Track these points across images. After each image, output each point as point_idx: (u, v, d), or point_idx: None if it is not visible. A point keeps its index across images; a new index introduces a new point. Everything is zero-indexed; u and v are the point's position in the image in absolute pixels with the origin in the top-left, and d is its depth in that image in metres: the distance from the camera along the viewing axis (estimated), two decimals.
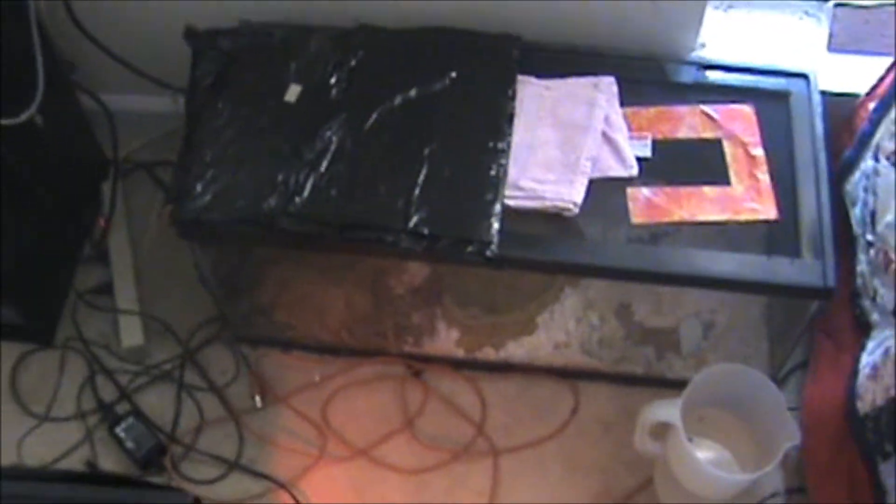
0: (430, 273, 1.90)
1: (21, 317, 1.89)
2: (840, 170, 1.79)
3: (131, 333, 1.91)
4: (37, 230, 1.88)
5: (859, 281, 1.71)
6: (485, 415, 1.87)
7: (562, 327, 1.88)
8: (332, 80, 1.71)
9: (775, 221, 1.61)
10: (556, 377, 1.90)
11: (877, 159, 1.67)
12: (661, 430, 1.69)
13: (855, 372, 1.68)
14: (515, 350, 1.90)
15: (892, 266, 1.59)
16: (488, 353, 1.90)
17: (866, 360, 1.65)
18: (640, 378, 1.86)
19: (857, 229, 1.73)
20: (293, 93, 1.71)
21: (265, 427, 1.86)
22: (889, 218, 1.61)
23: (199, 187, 1.62)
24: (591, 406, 1.88)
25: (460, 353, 1.90)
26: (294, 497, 1.78)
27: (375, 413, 1.87)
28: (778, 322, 1.86)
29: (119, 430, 1.82)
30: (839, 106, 1.80)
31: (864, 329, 1.69)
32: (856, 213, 1.74)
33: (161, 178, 2.07)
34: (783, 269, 1.57)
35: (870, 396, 1.62)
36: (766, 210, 1.62)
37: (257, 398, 1.87)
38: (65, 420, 1.87)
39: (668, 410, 1.61)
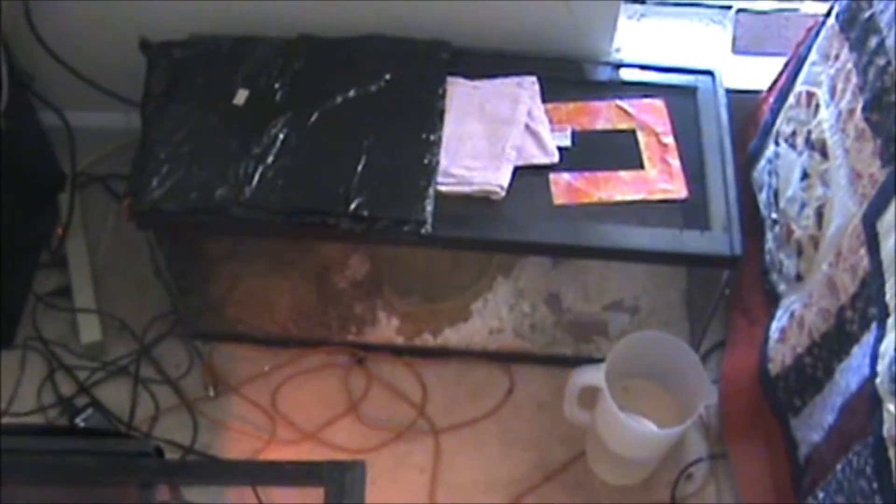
0: (370, 266, 2.02)
1: None
2: (747, 160, 1.95)
3: (89, 330, 2.00)
4: None
5: (767, 258, 1.86)
6: (425, 397, 1.98)
7: (495, 314, 2.01)
8: (277, 85, 1.84)
9: (686, 200, 1.76)
10: (492, 361, 2.02)
11: (777, 143, 1.84)
12: (589, 400, 1.81)
13: (766, 339, 1.82)
14: (452, 336, 2.02)
15: (793, 236, 1.75)
16: (427, 340, 2.02)
17: (775, 325, 1.79)
18: (570, 359, 1.98)
19: (763, 212, 1.88)
20: (241, 96, 1.84)
21: (218, 415, 1.96)
22: (789, 193, 1.77)
23: (154, 182, 1.73)
24: (524, 387, 2.00)
25: (400, 340, 2.02)
26: (255, 493, 1.84)
27: (322, 399, 1.98)
28: (697, 304, 2.00)
29: (78, 421, 1.91)
30: (744, 102, 1.97)
31: (773, 301, 1.84)
32: (762, 197, 1.89)
33: (115, 191, 2.18)
34: (694, 241, 1.71)
35: (780, 358, 1.76)
36: (678, 190, 1.77)
37: (210, 388, 1.97)
38: (25, 414, 1.94)
39: (593, 374, 1.74)
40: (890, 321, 1.39)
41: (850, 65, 1.60)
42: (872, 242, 1.47)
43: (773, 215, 1.84)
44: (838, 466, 1.48)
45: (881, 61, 1.50)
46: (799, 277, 1.74)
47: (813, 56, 1.74)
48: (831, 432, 1.55)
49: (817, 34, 1.75)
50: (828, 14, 1.72)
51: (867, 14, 1.56)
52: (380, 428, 1.95)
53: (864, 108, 1.54)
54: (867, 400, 1.41)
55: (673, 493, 1.89)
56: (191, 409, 1.96)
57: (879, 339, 1.41)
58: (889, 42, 1.49)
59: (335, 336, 2.03)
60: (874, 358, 1.41)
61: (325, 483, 1.39)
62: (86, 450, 1.39)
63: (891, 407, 1.33)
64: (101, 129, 2.15)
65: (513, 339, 2.02)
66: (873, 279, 1.46)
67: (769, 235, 1.85)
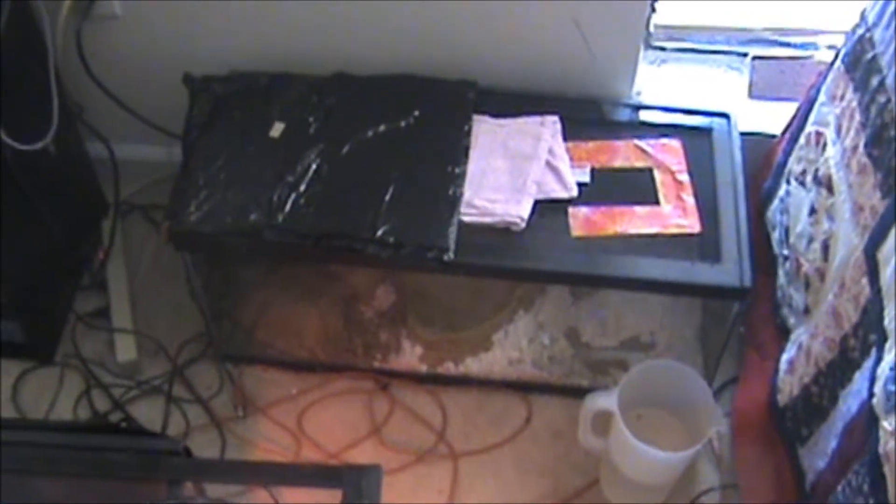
0: (396, 296, 2.10)
1: (24, 335, 2.07)
2: (761, 201, 2.02)
3: (126, 350, 2.10)
4: (41, 257, 2.08)
5: (779, 293, 1.92)
6: (445, 423, 2.05)
7: (515, 345, 2.08)
8: (311, 119, 1.94)
9: (699, 234, 1.83)
10: (511, 390, 2.09)
11: (788, 182, 1.91)
12: (603, 427, 1.87)
13: (776, 371, 1.87)
14: (473, 365, 2.09)
15: (802, 270, 1.81)
16: (448, 368, 2.09)
17: (785, 357, 1.85)
18: (586, 390, 2.01)
19: (776, 249, 1.95)
20: (277, 129, 1.94)
21: (246, 434, 2.03)
22: (798, 229, 1.83)
23: (192, 206, 1.83)
24: (542, 416, 2.06)
25: (423, 368, 2.09)
26: (272, 495, 1.93)
27: (346, 422, 2.05)
28: (711, 341, 2.06)
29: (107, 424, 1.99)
30: (759, 145, 2.05)
31: (784, 335, 1.89)
32: (775, 236, 1.96)
33: (154, 219, 2.29)
34: (706, 273, 1.79)
35: (788, 388, 1.81)
36: (691, 225, 1.84)
37: (239, 409, 2.05)
38: None
39: (606, 399, 1.80)
40: (888, 345, 1.45)
41: (854, 103, 1.67)
42: (873, 271, 1.53)
43: (785, 252, 1.90)
44: (839, 488, 1.53)
45: (882, 99, 1.58)
46: (807, 310, 1.80)
47: (822, 97, 1.82)
48: (834, 457, 1.60)
49: (825, 77, 1.82)
50: (835, 57, 1.80)
51: (870, 55, 1.64)
52: (401, 451, 2.01)
53: (866, 144, 1.61)
54: (865, 421, 1.46)
55: None
56: (220, 428, 2.03)
57: (878, 362, 1.47)
58: (889, 80, 1.57)
59: (361, 362, 2.10)
60: (872, 380, 1.46)
61: (343, 485, 1.45)
62: (120, 447, 1.47)
63: (886, 424, 1.39)
64: (143, 161, 2.26)
65: (532, 369, 2.08)
66: (873, 306, 1.52)
67: (781, 272, 1.92)
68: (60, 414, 2.05)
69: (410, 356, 2.09)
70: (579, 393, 2.02)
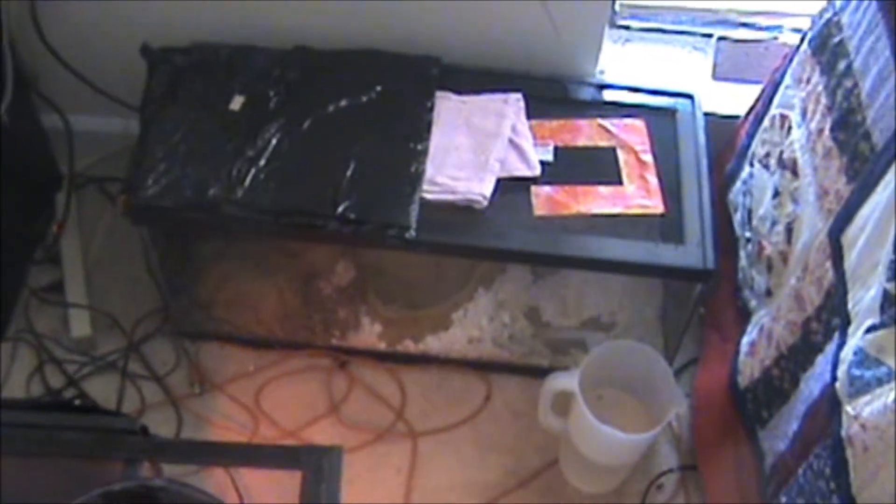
0: (355, 273, 2.08)
1: None
2: (724, 183, 2.02)
3: (80, 325, 2.06)
4: None
5: (740, 275, 1.92)
6: (404, 402, 2.04)
7: (475, 324, 2.07)
8: (272, 92, 1.91)
9: (662, 215, 1.83)
10: (470, 369, 2.08)
11: (752, 165, 1.90)
12: (563, 408, 1.87)
13: (736, 353, 1.88)
14: (433, 343, 2.07)
15: (764, 252, 1.81)
16: (408, 346, 2.07)
17: (745, 340, 1.85)
18: (546, 370, 2.00)
19: (738, 231, 1.95)
20: (237, 102, 1.91)
21: (202, 411, 2.01)
22: (761, 211, 1.83)
23: (150, 179, 1.79)
24: (501, 395, 2.06)
25: (382, 346, 2.08)
26: (230, 475, 1.90)
27: (304, 400, 2.03)
28: (671, 321, 2.06)
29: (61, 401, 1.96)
30: (722, 127, 2.04)
31: (745, 317, 1.89)
32: (737, 217, 1.96)
33: (110, 193, 2.24)
34: (669, 255, 1.78)
35: (748, 371, 1.82)
36: (655, 205, 1.84)
37: (196, 386, 2.03)
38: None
39: (567, 380, 1.79)
40: (850, 329, 1.46)
41: (820, 87, 1.67)
42: (837, 255, 1.54)
43: (747, 234, 1.90)
44: (800, 470, 1.54)
45: (848, 83, 1.58)
46: (769, 292, 1.80)
47: (787, 80, 1.81)
48: (795, 439, 1.60)
49: (791, 60, 1.82)
50: (801, 40, 1.79)
51: (836, 39, 1.64)
52: (359, 429, 2.00)
53: (831, 128, 1.61)
54: (827, 404, 1.46)
55: (643, 501, 1.94)
56: (176, 405, 2.01)
57: (841, 346, 1.47)
58: (856, 65, 1.57)
59: (319, 339, 2.08)
60: (835, 364, 1.46)
61: (302, 467, 1.44)
62: (75, 425, 1.45)
63: (849, 409, 1.39)
64: (99, 133, 2.22)
65: (492, 348, 2.07)
66: (837, 290, 1.52)
67: (742, 254, 1.92)
68: (13, 390, 2.01)
69: (369, 334, 2.08)
70: (539, 372, 2.01)
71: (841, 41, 1.63)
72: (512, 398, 2.05)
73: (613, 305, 2.09)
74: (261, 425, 1.99)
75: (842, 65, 1.61)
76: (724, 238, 1.93)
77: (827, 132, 1.62)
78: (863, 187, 1.49)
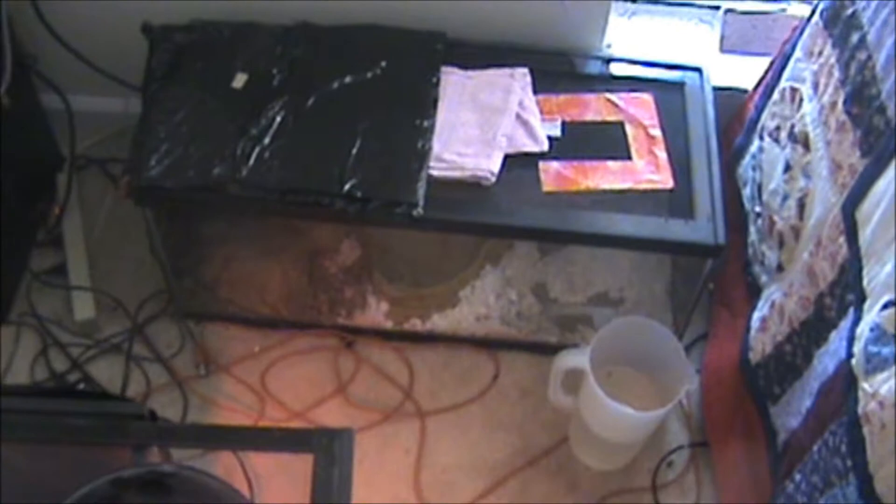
0: (361, 251, 2.06)
1: None
2: (732, 156, 2.00)
3: (84, 308, 2.04)
4: None
5: (750, 250, 1.91)
6: (412, 381, 2.02)
7: (483, 301, 2.05)
8: (275, 70, 1.89)
9: (671, 190, 1.81)
10: (478, 347, 2.06)
11: (762, 138, 1.88)
12: (573, 385, 1.85)
13: (747, 329, 1.86)
14: (440, 322, 2.05)
15: (776, 228, 1.79)
16: (415, 325, 2.06)
17: (756, 315, 1.84)
18: (555, 347, 1.99)
19: (747, 206, 1.93)
20: (240, 80, 1.88)
21: (208, 393, 1.99)
22: (772, 186, 1.81)
23: (153, 160, 1.77)
24: (510, 373, 2.04)
25: (389, 324, 2.06)
26: (237, 457, 1.89)
27: (311, 380, 2.02)
28: (680, 296, 2.05)
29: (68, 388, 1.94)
30: (730, 100, 2.03)
31: (755, 293, 1.88)
32: (746, 192, 1.94)
33: (112, 173, 2.22)
34: (679, 230, 1.76)
35: (760, 347, 1.80)
36: (664, 180, 1.82)
37: (201, 367, 2.01)
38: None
39: (577, 357, 1.78)
40: (866, 305, 1.44)
41: (832, 60, 1.65)
42: (851, 231, 1.52)
43: (757, 209, 1.88)
44: (814, 448, 1.52)
45: (862, 56, 1.55)
46: (780, 268, 1.79)
47: (797, 53, 1.79)
48: (809, 416, 1.59)
49: (802, 32, 1.80)
50: (812, 12, 1.77)
51: (849, 11, 1.62)
52: (367, 409, 1.98)
53: (845, 102, 1.59)
54: (842, 381, 1.45)
55: (653, 479, 1.93)
56: (181, 387, 1.99)
57: (856, 322, 1.45)
58: (870, 37, 1.54)
59: (325, 319, 2.06)
60: (850, 340, 1.45)
61: (313, 450, 1.42)
62: (82, 411, 1.43)
63: (865, 386, 1.37)
64: (100, 113, 2.19)
65: (499, 325, 2.06)
66: (851, 266, 1.50)
67: (752, 229, 1.90)
68: (17, 374, 1.99)
69: (376, 312, 2.06)
70: (547, 350, 2.01)
71: (854, 13, 1.60)
72: (520, 376, 2.04)
73: (622, 281, 2.07)
74: (267, 406, 1.98)
75: (855, 37, 1.58)
76: (733, 212, 1.91)
77: (840, 106, 1.59)
78: (877, 161, 1.48)
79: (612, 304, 2.07)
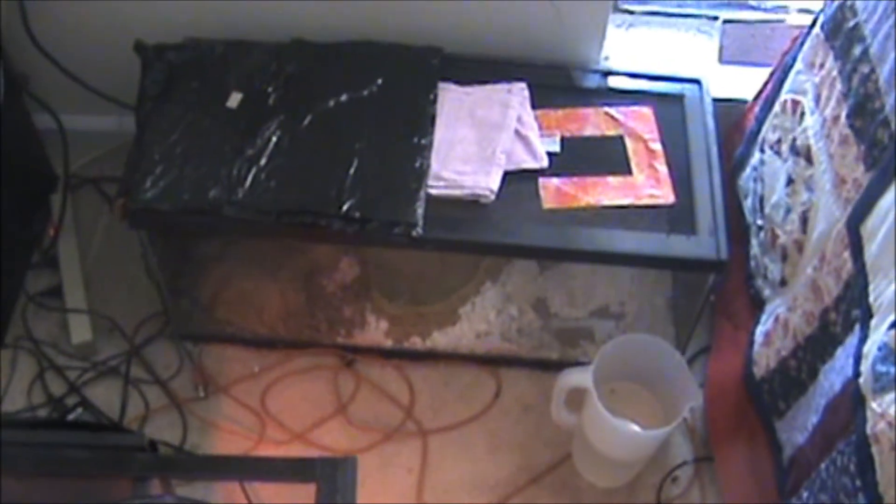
0: (359, 270, 2.04)
1: None
2: (732, 168, 1.98)
3: (80, 330, 2.01)
4: None
5: (752, 263, 1.89)
6: (413, 399, 2.00)
7: (483, 318, 2.04)
8: (270, 88, 1.87)
9: (673, 205, 1.79)
10: (479, 364, 2.04)
11: (762, 151, 1.87)
12: (576, 402, 1.83)
13: (751, 343, 1.84)
14: (440, 339, 2.04)
15: (778, 241, 1.78)
16: (415, 343, 2.04)
17: (760, 329, 1.82)
18: (556, 363, 1.99)
19: (749, 218, 1.91)
20: (234, 99, 1.86)
21: (208, 415, 1.97)
22: (774, 199, 1.80)
23: (148, 182, 1.75)
24: (511, 390, 2.02)
25: (389, 343, 2.04)
26: (243, 489, 1.84)
27: (311, 400, 1.99)
28: (682, 310, 2.03)
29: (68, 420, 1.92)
30: (730, 111, 2.01)
31: (758, 306, 1.86)
32: (747, 204, 1.92)
33: (107, 193, 2.20)
34: (681, 246, 1.74)
35: (764, 361, 1.79)
36: (665, 195, 1.80)
37: (200, 389, 1.99)
38: (15, 413, 1.96)
39: (581, 376, 1.76)
40: (873, 322, 1.42)
41: (834, 72, 1.63)
42: (856, 246, 1.50)
43: (759, 221, 1.86)
44: (822, 465, 1.51)
45: (865, 69, 1.54)
46: (783, 282, 1.77)
47: (798, 65, 1.77)
48: (815, 433, 1.58)
49: (802, 44, 1.78)
50: (813, 23, 1.75)
51: (851, 23, 1.60)
52: (368, 429, 1.96)
53: (848, 115, 1.57)
54: (850, 399, 1.43)
55: (658, 495, 1.91)
56: (181, 410, 1.97)
57: (863, 340, 1.44)
58: (873, 50, 1.53)
59: (324, 338, 2.04)
60: (858, 358, 1.43)
61: (317, 479, 1.40)
62: (81, 443, 1.41)
63: (874, 405, 1.36)
64: (93, 132, 2.17)
65: (500, 342, 2.04)
66: (857, 282, 1.49)
67: (754, 241, 1.88)
68: (14, 399, 1.97)
69: (375, 331, 2.04)
70: (549, 366, 1.99)
71: (856, 25, 1.58)
72: (522, 393, 2.02)
73: (623, 295, 2.06)
74: (267, 428, 1.96)
75: (857, 50, 1.57)
76: (734, 223, 1.89)
77: (843, 119, 1.58)
78: (882, 176, 1.46)
79: (613, 317, 2.05)
